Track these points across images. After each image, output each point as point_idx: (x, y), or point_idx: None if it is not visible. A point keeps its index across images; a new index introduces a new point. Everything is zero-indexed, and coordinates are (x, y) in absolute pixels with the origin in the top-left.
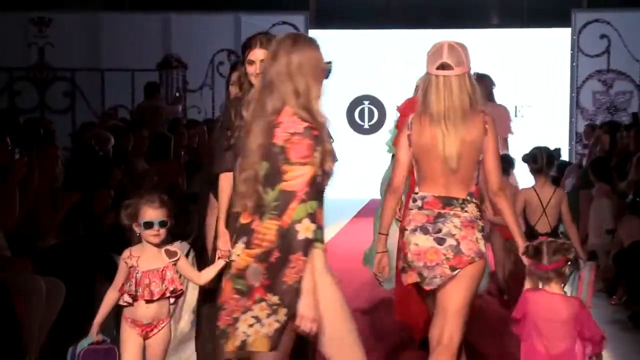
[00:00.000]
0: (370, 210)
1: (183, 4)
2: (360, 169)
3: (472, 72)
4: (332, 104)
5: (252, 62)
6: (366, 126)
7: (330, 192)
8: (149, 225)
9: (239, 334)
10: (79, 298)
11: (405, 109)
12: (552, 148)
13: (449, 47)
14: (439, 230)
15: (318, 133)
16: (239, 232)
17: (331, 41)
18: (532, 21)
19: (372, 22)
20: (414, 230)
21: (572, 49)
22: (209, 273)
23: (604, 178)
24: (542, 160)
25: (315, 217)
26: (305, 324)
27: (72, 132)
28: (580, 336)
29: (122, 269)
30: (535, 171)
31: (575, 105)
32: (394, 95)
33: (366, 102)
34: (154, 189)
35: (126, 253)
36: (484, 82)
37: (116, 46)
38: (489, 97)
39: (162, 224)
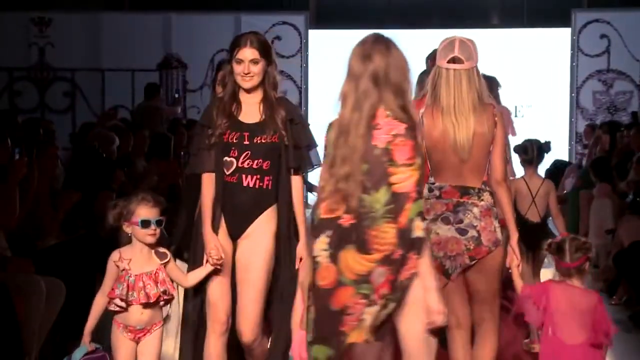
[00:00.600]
0: None
1: (183, 4)
2: None
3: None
4: (331, 104)
5: (240, 61)
6: None
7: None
8: (146, 224)
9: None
10: (80, 298)
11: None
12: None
13: (460, 42)
14: (461, 221)
15: (416, 133)
16: (338, 232)
17: (331, 41)
18: (532, 21)
19: (373, 22)
20: (435, 219)
21: (572, 48)
22: (197, 275)
23: (604, 178)
24: (532, 152)
25: (423, 215)
26: (438, 317)
27: (72, 132)
28: (595, 328)
29: (112, 272)
30: (526, 162)
31: (575, 105)
32: None
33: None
34: (154, 189)
35: (115, 255)
36: (490, 84)
37: (116, 46)
38: (496, 98)
39: (159, 222)
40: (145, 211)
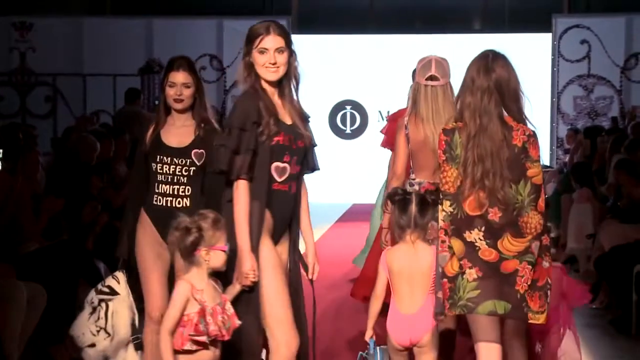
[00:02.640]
0: (352, 215)
1: (165, 8)
2: (342, 174)
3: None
4: (314, 108)
5: (264, 51)
6: (348, 131)
7: (312, 197)
8: (224, 250)
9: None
10: (61, 303)
11: (396, 117)
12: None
13: (435, 61)
14: None
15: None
16: (489, 226)
17: (313, 46)
18: (514, 26)
19: (355, 27)
20: None
21: (553, 54)
22: (229, 296)
23: (585, 183)
24: None
25: None
26: None
27: (54, 137)
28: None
29: (181, 306)
30: None
31: (556, 110)
32: (376, 100)
33: (348, 107)
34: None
35: (186, 287)
36: None
37: (98, 51)
38: None
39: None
40: (220, 235)
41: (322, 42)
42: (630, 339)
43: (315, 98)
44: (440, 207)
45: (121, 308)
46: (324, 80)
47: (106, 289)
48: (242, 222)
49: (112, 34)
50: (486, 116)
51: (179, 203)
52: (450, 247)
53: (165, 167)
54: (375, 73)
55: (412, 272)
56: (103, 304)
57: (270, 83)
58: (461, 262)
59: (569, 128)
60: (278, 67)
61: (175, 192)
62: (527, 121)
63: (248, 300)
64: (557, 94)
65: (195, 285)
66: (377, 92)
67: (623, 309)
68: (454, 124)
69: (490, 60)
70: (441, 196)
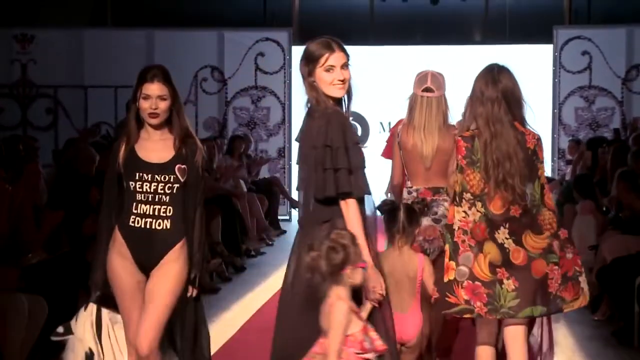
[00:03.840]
0: None
1: (166, 20)
2: None
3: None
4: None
5: (330, 69)
6: None
7: None
8: (363, 267)
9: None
10: (62, 315)
11: (397, 127)
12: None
13: (431, 75)
14: (435, 213)
15: None
16: (513, 222)
17: None
18: (515, 38)
19: (356, 39)
20: None
21: (554, 65)
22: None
23: (587, 195)
24: None
25: None
26: None
27: (55, 149)
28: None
29: (346, 327)
30: None
31: (558, 121)
32: (378, 111)
33: (350, 119)
34: None
35: (345, 306)
36: None
37: (99, 63)
38: None
39: None
40: (360, 251)
41: None
42: (633, 350)
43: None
44: (456, 208)
45: (77, 347)
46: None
47: (60, 330)
48: (363, 239)
49: (113, 46)
50: (499, 123)
51: (159, 225)
52: (471, 247)
53: (146, 185)
54: (376, 85)
55: (399, 275)
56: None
57: (334, 100)
58: (498, 270)
59: (571, 139)
60: (344, 83)
61: (156, 213)
62: (528, 125)
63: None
64: (558, 105)
65: (350, 303)
66: (379, 103)
67: (625, 321)
68: (472, 130)
69: (496, 73)
70: (456, 198)
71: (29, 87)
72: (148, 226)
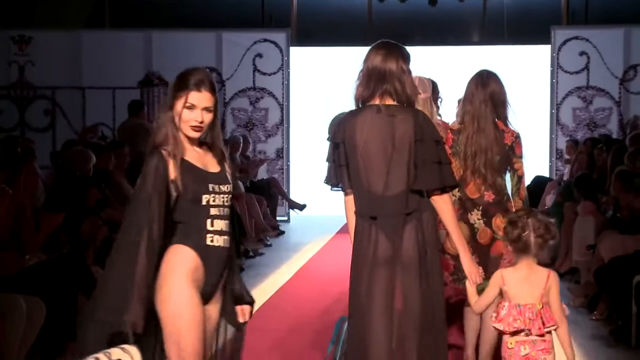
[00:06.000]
0: None
1: (164, 21)
2: None
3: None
4: (313, 121)
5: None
6: None
7: (312, 209)
8: None
9: None
10: (60, 317)
11: None
12: (526, 164)
13: (419, 79)
14: None
15: None
16: (486, 206)
17: (312, 58)
18: (513, 38)
19: (354, 40)
20: None
21: (552, 65)
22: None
23: (588, 195)
24: None
25: None
26: None
27: (53, 150)
28: None
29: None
30: None
31: (556, 121)
32: None
33: None
34: None
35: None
36: (433, 87)
37: (97, 64)
38: (436, 101)
39: None
40: None
41: (321, 55)
42: (631, 349)
43: (314, 110)
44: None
45: None
46: (322, 92)
47: None
48: (458, 234)
49: (111, 47)
50: (483, 120)
51: (228, 243)
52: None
53: (218, 198)
54: None
55: None
56: None
57: None
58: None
59: (568, 139)
60: None
61: (227, 229)
62: (509, 124)
63: None
64: (556, 106)
65: None
66: None
67: (623, 320)
68: (460, 125)
69: (485, 77)
70: None
71: (26, 88)
72: (223, 244)
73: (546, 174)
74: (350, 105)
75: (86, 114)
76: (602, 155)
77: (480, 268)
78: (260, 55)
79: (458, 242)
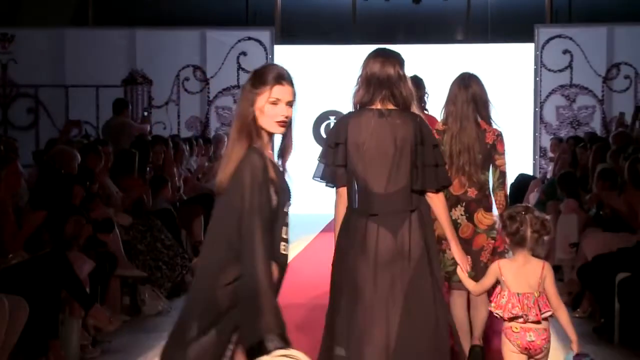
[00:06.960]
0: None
1: (148, 19)
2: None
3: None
4: (297, 119)
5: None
6: None
7: (296, 208)
8: None
9: None
10: (43, 316)
11: None
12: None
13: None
14: None
15: None
16: (469, 201)
17: (296, 57)
18: (496, 37)
19: (338, 38)
20: None
21: (536, 64)
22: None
23: (571, 193)
24: None
25: None
26: None
27: (36, 149)
28: None
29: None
30: None
31: (539, 119)
32: None
33: (332, 118)
34: (119, 205)
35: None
36: (418, 84)
37: (80, 62)
38: (421, 98)
39: None
40: None
41: (305, 53)
42: (614, 347)
43: (298, 109)
44: None
45: None
46: (307, 91)
47: None
48: (447, 225)
49: (94, 45)
50: (465, 120)
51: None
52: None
53: (287, 207)
54: None
55: None
56: None
57: None
58: (444, 242)
59: (552, 137)
60: None
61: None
62: (493, 123)
63: None
64: (539, 104)
65: None
66: None
67: (606, 318)
68: (444, 125)
69: (467, 79)
70: None
71: (9, 86)
72: (287, 252)
73: (530, 172)
74: (335, 104)
75: (69, 112)
76: (585, 153)
77: (469, 257)
78: (244, 54)
79: (449, 234)
